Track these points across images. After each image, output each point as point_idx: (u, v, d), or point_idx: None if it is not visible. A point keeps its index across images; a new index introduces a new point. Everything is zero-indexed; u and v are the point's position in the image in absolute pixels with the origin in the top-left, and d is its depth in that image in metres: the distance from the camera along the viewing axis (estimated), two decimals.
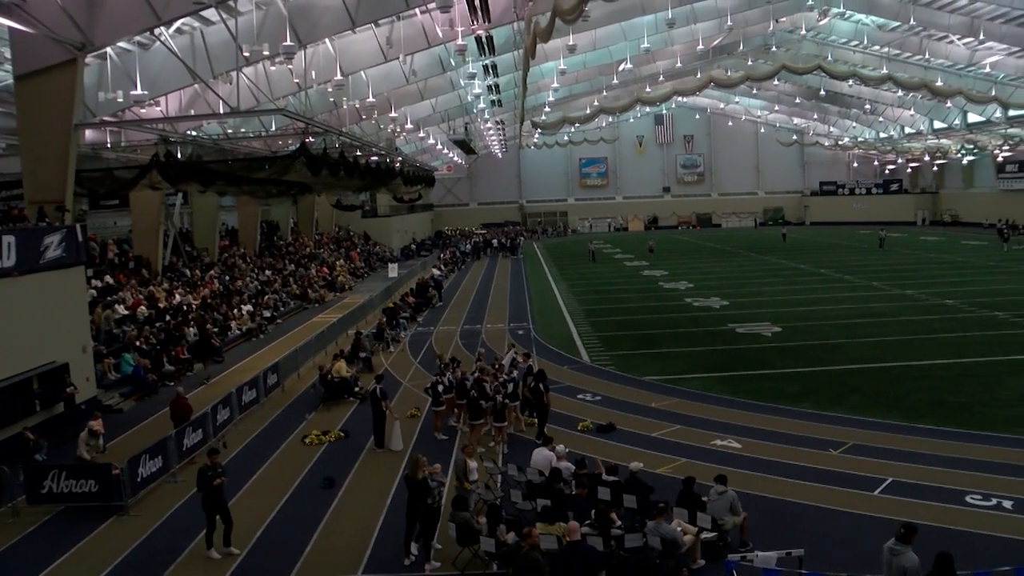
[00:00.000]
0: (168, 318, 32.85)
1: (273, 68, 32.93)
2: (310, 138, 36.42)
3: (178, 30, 29.12)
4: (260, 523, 15.68)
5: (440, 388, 21.32)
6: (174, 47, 26.97)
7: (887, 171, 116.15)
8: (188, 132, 35.28)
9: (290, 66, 31.52)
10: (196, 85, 30.74)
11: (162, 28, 25.83)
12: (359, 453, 19.91)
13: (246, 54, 26.94)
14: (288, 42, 26.32)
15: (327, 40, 32.96)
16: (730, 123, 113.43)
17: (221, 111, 31.10)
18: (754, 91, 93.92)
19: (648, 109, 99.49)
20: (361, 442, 20.62)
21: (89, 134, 32.92)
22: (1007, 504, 15.22)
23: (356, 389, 25.35)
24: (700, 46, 53.25)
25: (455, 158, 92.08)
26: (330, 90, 37.57)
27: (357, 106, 43.68)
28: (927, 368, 26.71)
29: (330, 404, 24.71)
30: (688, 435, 20.10)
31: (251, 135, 39.36)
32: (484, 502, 14.84)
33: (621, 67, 55.31)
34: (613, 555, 12.36)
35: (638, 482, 14.62)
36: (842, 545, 13.49)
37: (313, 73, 34.47)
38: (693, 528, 13.27)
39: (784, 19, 59.80)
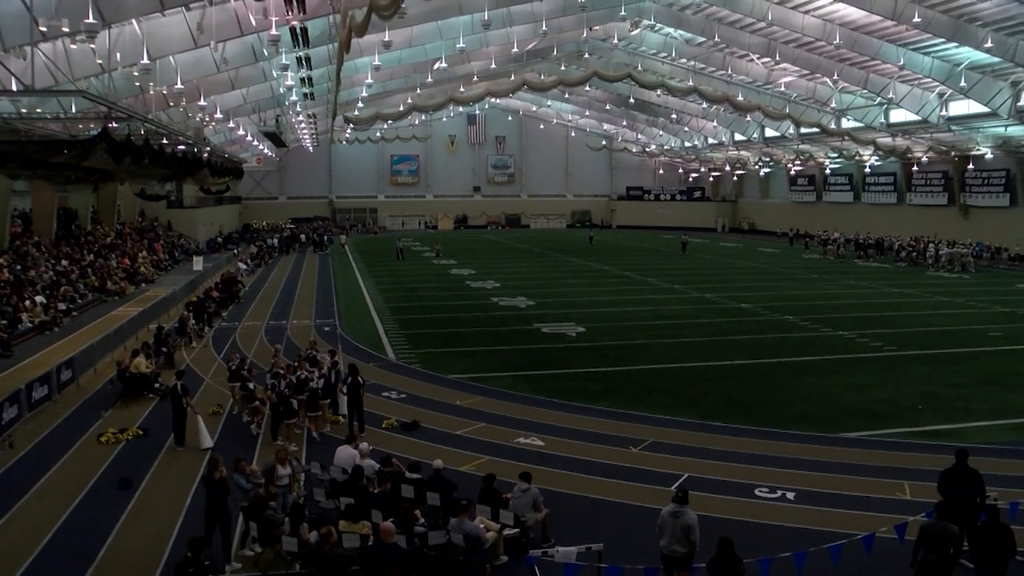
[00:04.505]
0: None
1: (74, 46, 31.13)
2: (113, 123, 34.90)
3: None
4: (49, 528, 14.89)
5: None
6: None
7: (691, 179, 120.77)
8: None
9: (93, 46, 29.93)
10: None
11: None
12: (158, 452, 19.23)
13: (43, 29, 25.53)
14: (91, 20, 25.02)
15: (134, 21, 31.70)
16: (541, 126, 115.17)
17: (14, 88, 29.39)
18: (566, 96, 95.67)
19: (461, 109, 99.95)
20: (160, 440, 19.94)
21: None
22: (790, 495, 16.20)
23: (156, 385, 24.52)
24: (515, 49, 53.92)
25: (265, 150, 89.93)
26: (136, 74, 36.06)
27: (164, 92, 42.10)
28: (723, 368, 27.96)
29: (128, 401, 23.72)
30: (492, 433, 20.37)
31: (48, 116, 37.38)
32: (285, 501, 14.64)
33: (436, 66, 55.37)
34: (417, 553, 12.44)
35: (441, 479, 14.74)
36: (640, 539, 13.95)
37: (118, 55, 32.96)
38: (496, 525, 13.47)
39: (597, 28, 61.28)
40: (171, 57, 36.71)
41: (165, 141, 42.88)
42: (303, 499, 14.95)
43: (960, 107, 63.45)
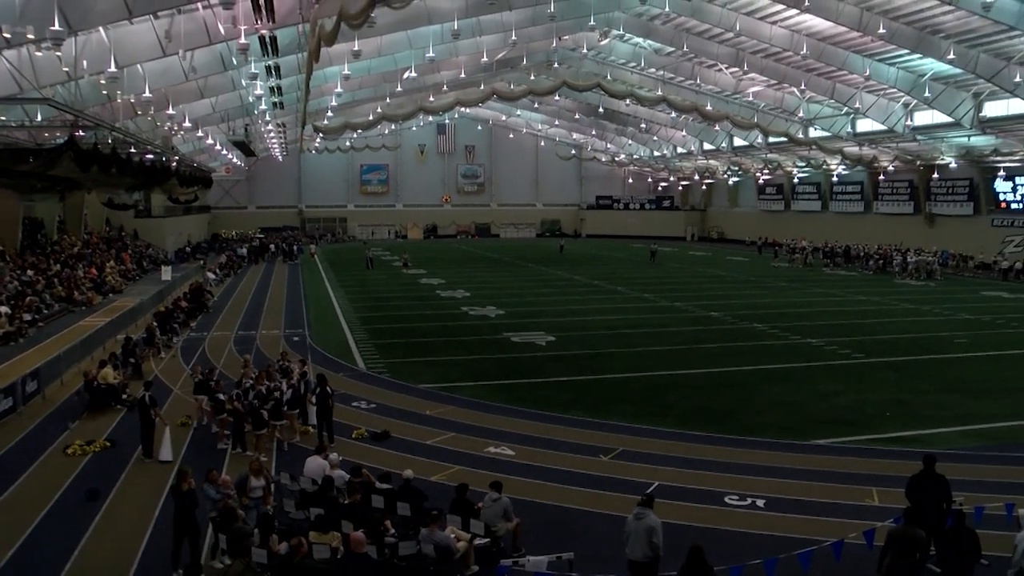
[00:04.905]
0: None
1: (39, 54, 30.84)
2: (80, 132, 34.64)
3: None
4: (13, 542, 14.69)
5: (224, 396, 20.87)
6: None
7: (660, 188, 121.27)
8: None
9: (59, 53, 29.63)
10: None
11: None
12: (126, 463, 19.05)
13: (7, 35, 25.26)
14: (56, 27, 24.70)
15: (101, 29, 31.43)
16: (511, 135, 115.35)
17: None
18: (536, 105, 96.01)
19: (431, 118, 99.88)
20: (129, 452, 19.74)
21: None
22: (760, 503, 16.30)
23: (124, 396, 24.30)
24: (484, 59, 54.05)
25: (234, 160, 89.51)
26: (103, 82, 35.76)
27: (132, 101, 41.78)
28: (693, 377, 28.09)
29: (95, 412, 23.44)
30: (462, 442, 20.34)
31: (13, 124, 37.03)
32: (258, 513, 14.53)
33: (405, 75, 55.33)
34: (388, 563, 12.39)
35: (412, 490, 14.70)
36: (611, 547, 13.95)
37: (85, 63, 32.68)
38: (466, 535, 13.44)
39: (567, 37, 61.51)
40: (139, 65, 36.42)
41: (133, 150, 42.62)
42: (273, 510, 14.85)
43: (925, 117, 64.27)
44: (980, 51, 48.50)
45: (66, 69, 32.12)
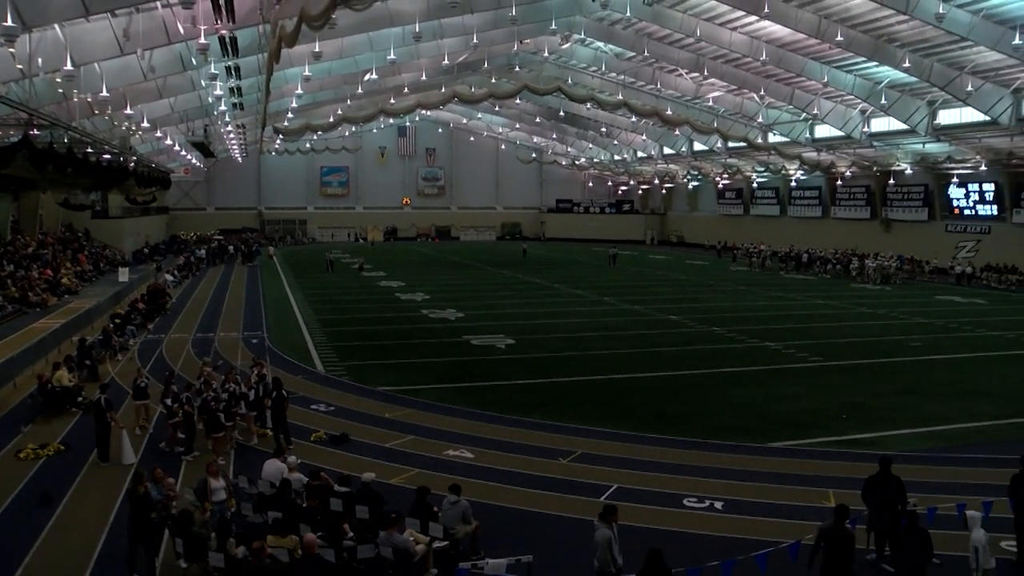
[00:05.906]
0: None
1: None
2: (35, 130, 34.16)
3: None
4: None
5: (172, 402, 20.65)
6: None
7: (620, 192, 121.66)
8: None
9: (12, 50, 29.13)
10: None
11: None
12: (81, 467, 18.81)
13: None
14: (9, 23, 24.28)
15: (57, 26, 31.00)
16: (472, 138, 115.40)
17: None
18: (496, 108, 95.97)
19: (392, 121, 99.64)
20: (83, 456, 19.49)
21: None
22: (718, 505, 16.41)
23: (79, 399, 24.00)
24: (446, 61, 54.05)
25: (193, 160, 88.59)
26: (59, 80, 35.27)
27: (89, 100, 41.23)
28: (652, 380, 28.24)
29: (50, 416, 23.13)
30: (422, 445, 20.29)
31: None
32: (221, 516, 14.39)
33: (366, 77, 55.18)
34: (346, 566, 12.33)
35: (370, 493, 14.65)
36: (569, 550, 14.02)
37: (40, 60, 32.23)
38: (425, 538, 13.41)
39: (528, 41, 61.66)
40: (96, 64, 35.97)
41: (90, 150, 42.08)
42: (230, 513, 14.73)
43: (881, 124, 65.19)
44: (934, 60, 49.27)
45: (20, 66, 31.58)
